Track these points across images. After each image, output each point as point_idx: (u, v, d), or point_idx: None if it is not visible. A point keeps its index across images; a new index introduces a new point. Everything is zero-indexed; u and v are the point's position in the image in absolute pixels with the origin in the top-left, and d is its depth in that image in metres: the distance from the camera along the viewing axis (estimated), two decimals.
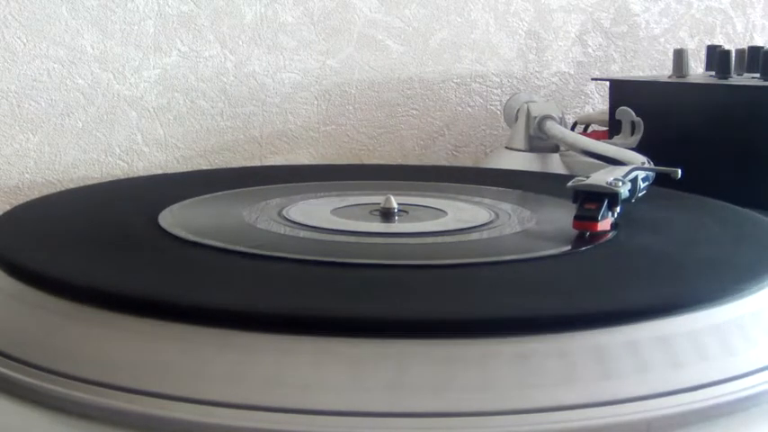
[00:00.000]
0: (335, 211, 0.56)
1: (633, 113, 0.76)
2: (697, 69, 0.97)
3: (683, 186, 0.59)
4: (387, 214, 0.55)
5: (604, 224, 0.49)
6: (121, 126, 0.80)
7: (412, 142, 0.92)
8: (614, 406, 0.33)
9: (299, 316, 0.36)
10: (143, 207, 0.55)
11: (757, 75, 0.76)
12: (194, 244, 0.47)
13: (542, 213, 0.56)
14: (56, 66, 0.76)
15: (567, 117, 0.87)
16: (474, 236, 0.51)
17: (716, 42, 1.03)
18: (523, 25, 0.95)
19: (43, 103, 0.77)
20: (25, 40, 0.75)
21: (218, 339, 0.35)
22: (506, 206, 0.58)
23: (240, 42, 0.83)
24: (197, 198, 0.60)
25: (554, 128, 0.80)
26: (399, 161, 0.91)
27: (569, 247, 0.47)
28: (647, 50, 1.03)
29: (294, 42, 0.85)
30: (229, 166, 0.84)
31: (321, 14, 0.86)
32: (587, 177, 0.51)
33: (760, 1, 1.09)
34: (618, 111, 0.77)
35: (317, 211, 0.56)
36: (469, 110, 0.94)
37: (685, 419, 0.34)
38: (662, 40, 1.04)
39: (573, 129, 0.88)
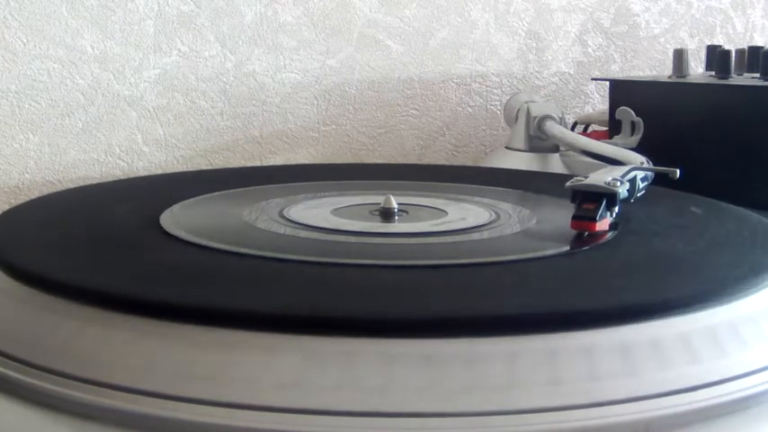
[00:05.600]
0: (335, 211, 0.56)
1: (633, 113, 0.76)
2: (697, 69, 0.97)
3: (683, 186, 0.59)
4: (387, 214, 0.55)
5: (602, 224, 0.49)
6: (121, 126, 0.80)
7: (412, 142, 0.92)
8: (612, 406, 0.33)
9: (300, 316, 0.36)
10: (143, 207, 0.55)
11: (757, 75, 0.76)
12: (194, 244, 0.47)
13: (542, 213, 0.56)
14: (56, 66, 0.76)
15: (567, 117, 0.87)
16: (474, 236, 0.51)
17: (716, 42, 1.03)
18: (523, 25, 0.95)
19: (43, 103, 0.77)
20: (25, 40, 0.75)
21: (218, 339, 0.35)
22: (506, 206, 0.58)
23: (240, 42, 0.83)
24: (197, 198, 0.60)
25: (554, 128, 0.80)
26: (399, 161, 0.91)
27: (568, 248, 0.47)
28: (647, 50, 1.03)
29: (294, 42, 0.85)
30: (229, 166, 0.84)
31: (321, 14, 0.86)
32: (586, 177, 0.51)
33: (760, 1, 1.09)
34: (618, 111, 0.77)
35: (317, 211, 0.56)
36: (469, 110, 0.94)
37: (684, 420, 0.34)
38: (662, 40, 1.04)
39: (573, 129, 0.88)
